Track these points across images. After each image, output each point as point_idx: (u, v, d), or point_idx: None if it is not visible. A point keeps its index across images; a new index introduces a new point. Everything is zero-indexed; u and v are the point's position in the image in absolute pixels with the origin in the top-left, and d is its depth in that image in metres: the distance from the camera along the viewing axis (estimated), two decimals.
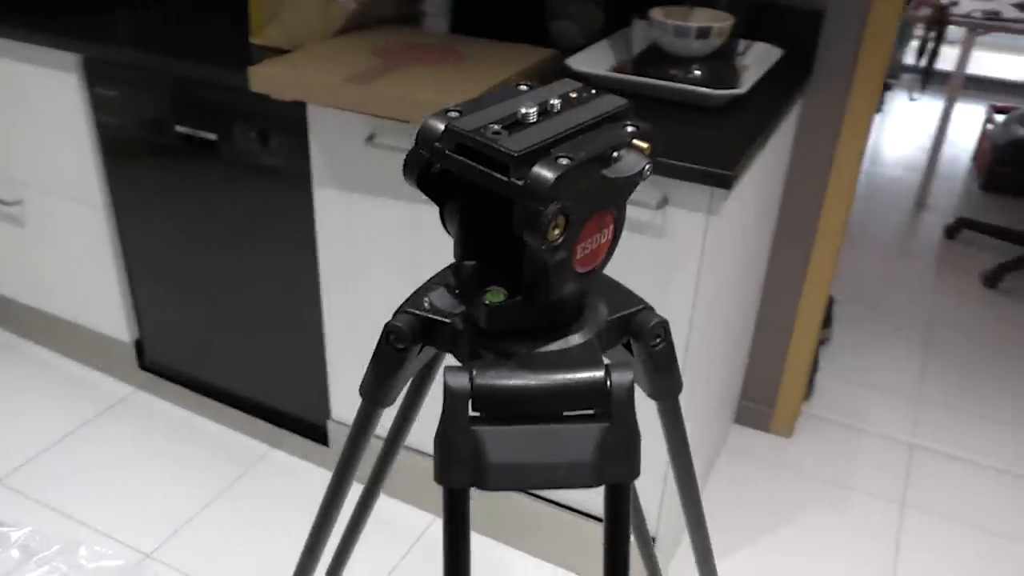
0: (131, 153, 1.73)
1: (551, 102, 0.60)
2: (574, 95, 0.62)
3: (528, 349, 0.61)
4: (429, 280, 0.69)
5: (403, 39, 1.53)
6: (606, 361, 0.61)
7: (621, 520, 0.61)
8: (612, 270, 1.32)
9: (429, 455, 1.70)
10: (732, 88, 1.40)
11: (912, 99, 4.39)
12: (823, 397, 2.18)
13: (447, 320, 0.65)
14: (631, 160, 0.57)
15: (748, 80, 1.44)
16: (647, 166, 0.57)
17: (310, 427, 1.85)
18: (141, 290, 1.91)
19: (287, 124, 1.50)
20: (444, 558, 0.63)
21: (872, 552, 1.72)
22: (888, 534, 1.77)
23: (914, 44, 3.89)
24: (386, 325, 0.66)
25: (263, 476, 1.85)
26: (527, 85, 0.64)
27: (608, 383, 0.59)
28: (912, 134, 4.01)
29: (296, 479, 1.84)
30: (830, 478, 1.91)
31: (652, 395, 0.74)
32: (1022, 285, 2.74)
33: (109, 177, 1.80)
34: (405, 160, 0.61)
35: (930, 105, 4.37)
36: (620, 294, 0.69)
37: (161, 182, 1.72)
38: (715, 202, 1.22)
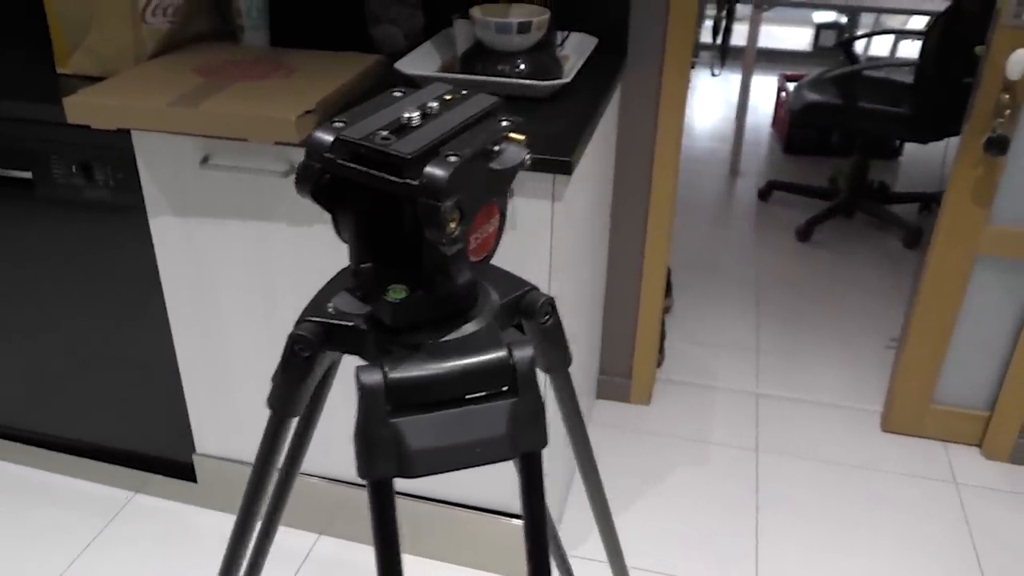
0: None
1: (429, 105, 0.63)
2: (448, 97, 0.65)
3: (434, 339, 0.64)
4: (325, 287, 0.72)
5: (225, 55, 1.49)
6: (512, 340, 0.65)
7: (537, 487, 0.65)
8: None
9: (308, 475, 1.67)
10: (557, 78, 1.46)
11: (714, 75, 4.70)
12: (673, 362, 2.32)
13: (351, 323, 0.67)
14: (513, 152, 0.61)
15: (571, 69, 1.51)
16: (527, 156, 0.61)
17: (174, 465, 1.77)
18: None
19: (111, 154, 1.43)
20: (376, 551, 0.64)
21: (736, 497, 1.85)
22: (748, 477, 1.91)
23: (709, 24, 4.16)
24: (290, 335, 0.67)
25: (130, 522, 1.76)
26: (400, 91, 0.66)
27: (512, 360, 0.63)
28: (718, 107, 4.30)
29: (166, 519, 1.76)
30: (690, 435, 2.04)
31: (546, 369, 0.78)
32: (830, 236, 3.01)
33: None
34: (297, 174, 0.63)
35: (730, 79, 4.69)
36: (506, 279, 0.73)
37: None
38: (558, 188, 1.27)
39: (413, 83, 1.50)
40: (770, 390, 2.21)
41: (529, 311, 0.72)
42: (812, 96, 2.85)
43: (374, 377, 0.61)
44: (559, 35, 1.67)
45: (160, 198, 1.44)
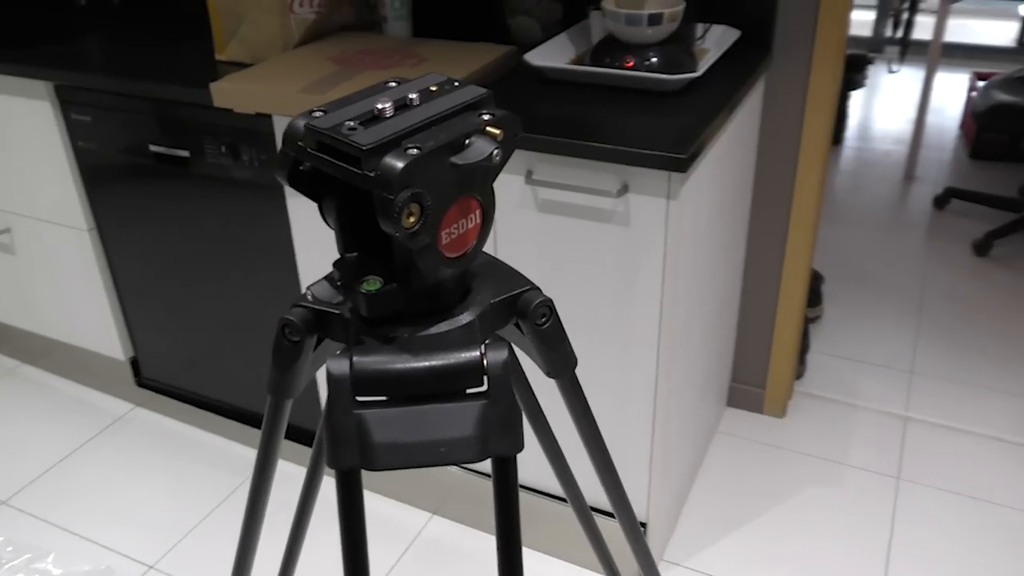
0: (110, 175, 1.76)
1: (410, 96, 0.63)
2: (434, 88, 0.65)
3: (409, 333, 0.64)
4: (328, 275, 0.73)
5: (361, 45, 1.55)
6: (489, 341, 0.64)
7: (510, 493, 0.64)
8: (577, 261, 1.34)
9: None
10: (687, 72, 1.41)
11: (891, 71, 4.37)
12: (816, 375, 2.19)
13: (337, 311, 0.67)
14: (479, 146, 0.60)
15: (705, 63, 1.45)
16: (495, 151, 0.60)
17: (304, 433, 1.87)
18: (132, 308, 1.94)
19: (256, 136, 1.52)
20: (342, 536, 0.65)
21: (869, 527, 1.73)
22: (884, 508, 1.77)
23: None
24: (280, 319, 0.69)
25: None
26: (396, 81, 0.66)
27: (484, 361, 0.62)
28: (899, 107, 4.00)
29: (293, 485, 1.87)
30: (825, 455, 1.92)
31: (548, 373, 0.76)
32: (1012, 252, 2.74)
33: (91, 200, 1.83)
34: (275, 159, 0.63)
35: (913, 76, 4.35)
36: (506, 276, 0.72)
37: (142, 201, 1.75)
38: (674, 186, 1.23)
39: (541, 75, 1.49)
40: (921, 415, 2.04)
41: (524, 311, 0.70)
42: (1001, 96, 2.59)
43: (341, 366, 0.62)
44: (700, 28, 1.61)
45: None
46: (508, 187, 1.33)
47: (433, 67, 1.42)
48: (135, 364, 2.06)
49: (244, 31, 1.55)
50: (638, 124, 1.29)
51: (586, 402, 0.81)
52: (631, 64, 1.44)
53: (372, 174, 0.56)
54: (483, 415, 0.62)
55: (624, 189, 1.26)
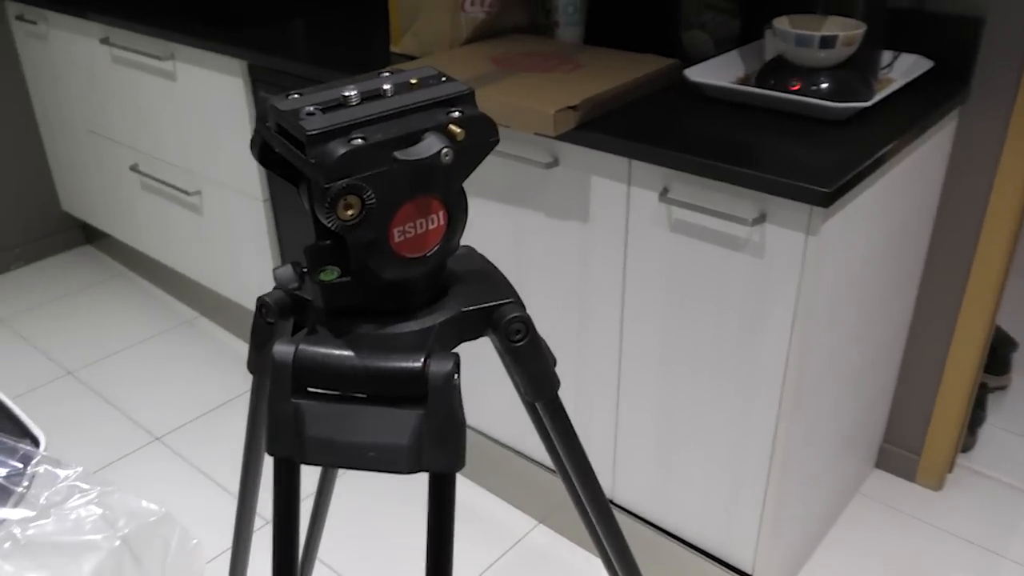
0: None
1: (384, 87, 0.61)
2: (414, 81, 0.63)
3: (363, 330, 0.62)
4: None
5: (526, 47, 1.56)
6: (435, 351, 0.62)
7: (443, 510, 0.61)
8: (704, 286, 1.27)
9: (531, 459, 1.70)
10: (858, 101, 1.30)
11: None
12: (987, 451, 1.96)
13: (309, 297, 0.67)
14: (428, 143, 0.57)
15: (882, 94, 1.33)
16: (444, 150, 0.57)
17: None
18: None
19: None
20: (273, 526, 0.64)
21: None
22: None
23: None
24: (258, 299, 0.69)
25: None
26: (390, 71, 0.65)
27: (425, 370, 0.60)
28: None
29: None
30: (980, 541, 1.72)
31: (525, 395, 0.72)
32: None
33: (268, 173, 1.96)
34: (251, 137, 0.65)
35: None
36: (490, 286, 0.68)
37: None
38: (815, 221, 1.14)
39: (700, 92, 1.43)
40: None
41: (496, 326, 0.66)
42: None
43: (286, 351, 0.60)
44: (888, 55, 1.49)
45: None
46: (641, 202, 1.29)
47: (588, 74, 1.40)
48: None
49: (417, 26, 1.60)
50: (791, 152, 1.20)
51: (571, 429, 0.76)
52: (796, 87, 1.35)
53: (312, 161, 0.56)
54: (419, 426, 0.60)
55: (761, 218, 1.18)
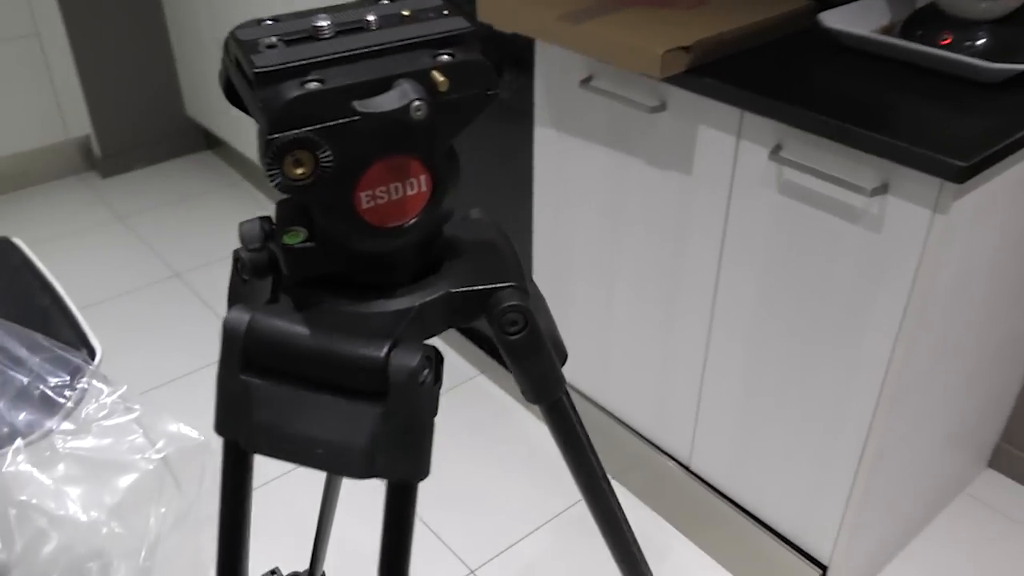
0: None
1: (368, 18, 0.51)
2: (407, 13, 0.52)
3: (328, 304, 0.53)
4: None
5: None
6: (402, 340, 0.52)
7: (399, 525, 0.53)
8: (811, 257, 1.16)
9: (637, 433, 1.65)
10: (1018, 63, 1.13)
11: None
12: None
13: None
14: (397, 92, 0.46)
15: None
16: (415, 102, 0.46)
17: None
18: None
19: (519, 58, 1.49)
20: (220, 515, 0.58)
21: None
22: None
23: None
24: (234, 251, 0.60)
25: (464, 395, 1.92)
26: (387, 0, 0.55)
27: (387, 363, 0.50)
28: None
29: (491, 406, 1.89)
30: None
31: (526, 396, 0.62)
32: None
33: None
34: (219, 70, 0.56)
35: None
36: (492, 264, 0.57)
37: None
38: (944, 198, 1.01)
39: (835, 40, 1.29)
40: None
41: (490, 313, 0.56)
42: None
43: (239, 320, 0.52)
44: None
45: (546, 109, 1.46)
46: (750, 158, 1.18)
47: (710, 12, 1.28)
48: None
49: None
50: (929, 116, 1.06)
51: (578, 436, 0.65)
52: (947, 41, 1.19)
53: (259, 105, 0.46)
54: (376, 427, 0.51)
55: (882, 189, 1.05)
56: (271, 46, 0.49)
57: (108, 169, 2.81)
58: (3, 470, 0.72)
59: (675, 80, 1.19)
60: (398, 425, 0.51)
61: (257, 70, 0.46)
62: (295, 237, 0.53)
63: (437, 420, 1.85)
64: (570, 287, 1.59)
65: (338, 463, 0.52)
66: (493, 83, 0.50)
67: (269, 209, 2.66)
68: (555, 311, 1.65)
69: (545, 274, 1.63)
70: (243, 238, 0.58)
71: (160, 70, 2.79)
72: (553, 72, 1.42)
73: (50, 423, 0.74)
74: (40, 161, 2.76)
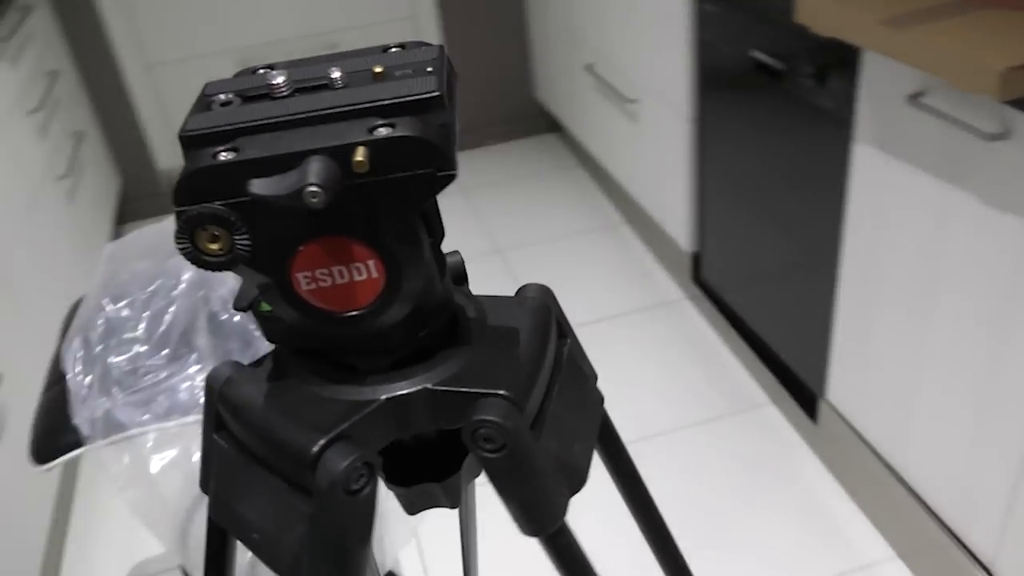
0: (719, 72, 1.73)
1: (333, 75, 0.44)
2: (379, 69, 0.45)
3: (298, 380, 0.48)
4: None
5: None
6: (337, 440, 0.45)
7: None
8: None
9: (908, 487, 1.41)
10: None
11: None
12: None
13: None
14: (294, 174, 0.40)
15: None
16: (308, 188, 0.39)
17: (802, 392, 1.70)
18: (708, 206, 1.94)
19: (841, 64, 1.31)
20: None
21: None
22: None
23: None
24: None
25: (744, 424, 1.78)
26: (399, 47, 0.47)
27: (317, 463, 0.44)
28: None
29: (771, 439, 1.73)
30: None
31: (517, 524, 0.50)
32: None
33: (699, 91, 1.83)
34: None
35: None
36: (490, 365, 0.48)
37: (738, 105, 1.69)
38: None
39: None
40: None
41: (465, 427, 0.46)
42: None
43: (220, 375, 0.48)
44: None
45: (868, 124, 1.27)
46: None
47: None
48: (696, 260, 2.09)
49: None
50: None
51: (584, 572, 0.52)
52: None
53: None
54: (304, 528, 0.45)
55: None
56: (224, 103, 0.46)
57: (461, 144, 3.04)
58: None
59: (1022, 104, 0.96)
60: (322, 535, 0.46)
61: (182, 134, 0.44)
62: (267, 305, 0.49)
63: (710, 446, 1.75)
64: (876, 321, 1.39)
65: (269, 554, 0.48)
66: (438, 164, 0.42)
67: (593, 196, 2.69)
68: (858, 344, 1.45)
69: (851, 302, 1.44)
70: (235, 298, 0.57)
71: (516, 57, 2.93)
72: (878, 83, 1.23)
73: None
74: None
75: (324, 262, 0.45)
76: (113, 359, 0.89)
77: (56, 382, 0.91)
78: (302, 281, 0.46)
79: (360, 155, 0.41)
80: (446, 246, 0.51)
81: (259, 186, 0.41)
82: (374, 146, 0.41)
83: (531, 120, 3.07)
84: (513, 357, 0.51)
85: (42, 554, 1.54)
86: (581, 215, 2.60)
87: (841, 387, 1.53)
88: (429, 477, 0.54)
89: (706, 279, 2.04)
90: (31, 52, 2.21)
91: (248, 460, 0.49)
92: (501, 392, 0.48)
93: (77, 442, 0.86)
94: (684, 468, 1.70)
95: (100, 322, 0.91)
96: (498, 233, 2.55)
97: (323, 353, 0.51)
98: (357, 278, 0.45)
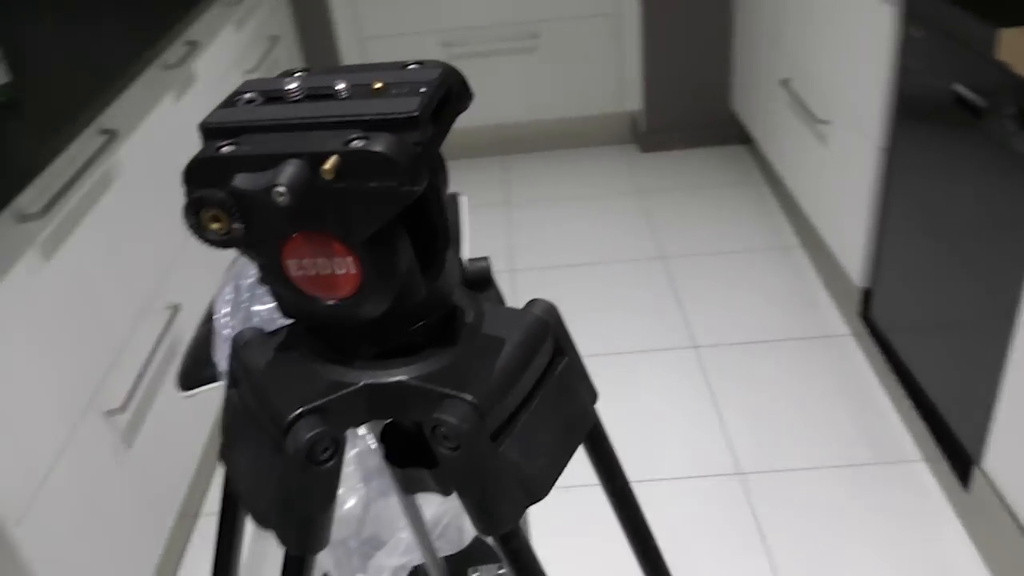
0: (917, 102, 1.62)
1: (337, 87, 0.48)
2: (379, 85, 0.48)
3: (300, 352, 0.53)
4: None
5: None
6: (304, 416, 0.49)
7: None
8: None
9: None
10: None
11: None
12: None
13: None
14: (270, 173, 0.44)
15: None
16: (277, 188, 0.43)
17: (957, 454, 1.57)
18: (887, 241, 1.82)
19: None
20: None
21: None
22: None
23: None
24: None
25: (888, 475, 1.67)
26: (417, 63, 0.51)
27: (289, 427, 0.47)
28: None
29: (915, 497, 1.62)
30: None
31: (472, 523, 0.52)
32: None
33: (894, 119, 1.73)
34: None
35: None
36: (465, 368, 0.51)
37: (934, 138, 1.57)
38: None
39: None
40: None
41: (426, 424, 0.50)
42: None
43: (242, 336, 0.54)
44: None
45: None
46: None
47: None
48: (867, 295, 1.97)
49: None
50: None
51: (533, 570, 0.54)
52: None
53: None
54: (275, 486, 0.49)
55: None
56: (248, 101, 0.51)
57: (648, 145, 3.02)
58: None
59: None
60: (287, 495, 0.50)
61: (201, 123, 0.49)
62: None
63: (847, 493, 1.66)
64: None
65: (250, 503, 0.53)
66: (399, 179, 0.45)
67: (773, 214, 2.59)
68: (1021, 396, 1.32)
69: (1022, 368, 1.32)
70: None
71: (715, 63, 2.87)
72: None
73: None
74: (593, 126, 3.08)
75: (309, 252, 0.49)
76: (256, 307, 0.97)
77: (208, 320, 1.02)
78: (291, 266, 0.50)
79: (329, 164, 0.45)
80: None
81: (240, 180, 0.46)
82: (345, 156, 0.45)
83: (723, 129, 3.00)
84: (491, 365, 0.53)
85: (193, 472, 1.72)
86: (756, 232, 2.51)
87: (1000, 457, 1.40)
88: (421, 463, 0.58)
89: (874, 317, 1.92)
90: (257, 16, 2.42)
91: (249, 416, 0.56)
92: (466, 396, 0.51)
93: (214, 376, 0.96)
94: (816, 509, 1.62)
95: (252, 271, 1.00)
96: (666, 238, 2.52)
97: (322, 334, 0.56)
98: (338, 272, 0.50)
